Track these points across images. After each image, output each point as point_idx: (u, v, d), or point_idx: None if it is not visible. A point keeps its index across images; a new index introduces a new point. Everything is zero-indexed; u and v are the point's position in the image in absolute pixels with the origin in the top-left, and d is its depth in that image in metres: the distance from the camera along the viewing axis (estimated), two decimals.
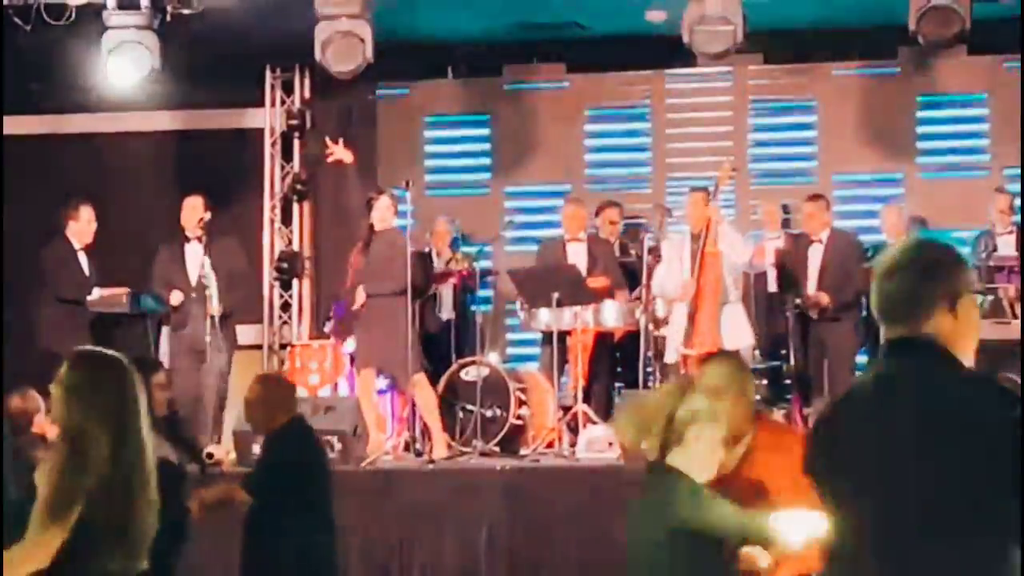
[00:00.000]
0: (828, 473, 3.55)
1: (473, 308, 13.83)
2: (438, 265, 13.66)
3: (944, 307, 3.50)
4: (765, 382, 12.75)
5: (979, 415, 3.34)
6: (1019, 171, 13.52)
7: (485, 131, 15.64)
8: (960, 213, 14.00)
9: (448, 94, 15.61)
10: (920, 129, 14.86)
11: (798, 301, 12.45)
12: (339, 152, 12.11)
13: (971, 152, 14.68)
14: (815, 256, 12.67)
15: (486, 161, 15.63)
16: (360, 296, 11.98)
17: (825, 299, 12.44)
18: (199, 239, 12.38)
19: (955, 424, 3.35)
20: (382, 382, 12.47)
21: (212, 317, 12.09)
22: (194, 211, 12.48)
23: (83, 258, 12.58)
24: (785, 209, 14.24)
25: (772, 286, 13.30)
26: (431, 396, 11.93)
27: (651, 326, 12.31)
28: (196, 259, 12.38)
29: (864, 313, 12.55)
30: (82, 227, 12.59)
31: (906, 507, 3.36)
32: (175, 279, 12.41)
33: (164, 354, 12.61)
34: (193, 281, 12.32)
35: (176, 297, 12.31)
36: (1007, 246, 12.81)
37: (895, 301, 3.54)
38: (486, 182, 15.58)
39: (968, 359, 3.54)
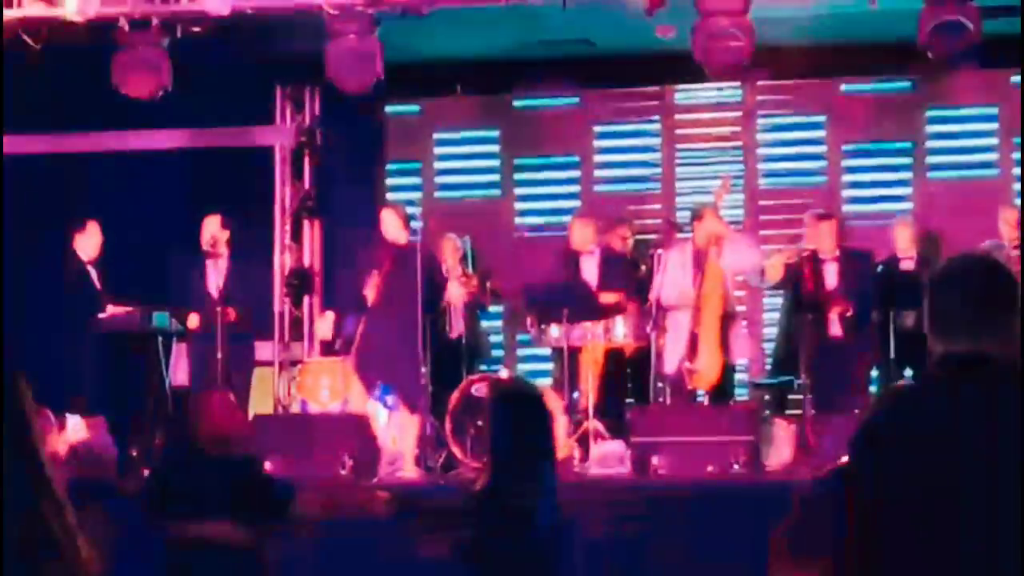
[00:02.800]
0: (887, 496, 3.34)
1: (483, 324, 13.85)
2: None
3: (1014, 322, 3.39)
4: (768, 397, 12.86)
5: None
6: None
7: (495, 147, 15.70)
8: (970, 227, 13.99)
9: (457, 111, 15.68)
10: (930, 144, 14.89)
11: (811, 318, 12.42)
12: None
13: (981, 166, 14.70)
14: (830, 275, 12.63)
15: (495, 178, 15.68)
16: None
17: (846, 306, 12.43)
18: (219, 256, 12.51)
19: None
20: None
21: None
22: (212, 230, 12.59)
23: (92, 273, 12.63)
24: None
25: (785, 302, 13.32)
26: (415, 423, 12.04)
27: (661, 341, 12.31)
28: (218, 276, 12.47)
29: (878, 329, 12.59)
30: (89, 242, 12.65)
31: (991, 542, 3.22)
32: (195, 295, 12.48)
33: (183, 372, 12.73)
34: (216, 296, 12.41)
35: (193, 321, 12.41)
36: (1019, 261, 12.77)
37: (963, 312, 3.40)
38: (496, 198, 15.62)
39: None
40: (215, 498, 7.08)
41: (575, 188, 15.47)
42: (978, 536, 3.23)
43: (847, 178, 15.03)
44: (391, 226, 12.53)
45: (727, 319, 12.18)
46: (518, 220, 15.49)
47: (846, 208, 14.63)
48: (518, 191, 15.59)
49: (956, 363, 3.40)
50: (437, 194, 15.54)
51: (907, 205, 14.65)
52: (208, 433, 7.23)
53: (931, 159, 14.86)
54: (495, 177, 15.64)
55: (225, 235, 12.60)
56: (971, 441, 3.26)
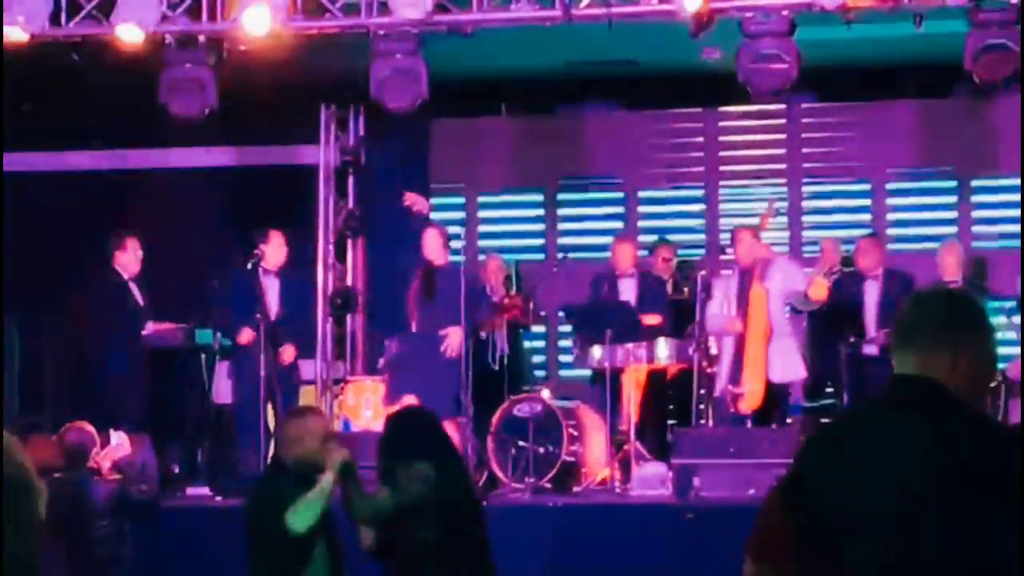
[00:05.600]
0: (823, 511, 3.41)
1: (526, 344, 13.85)
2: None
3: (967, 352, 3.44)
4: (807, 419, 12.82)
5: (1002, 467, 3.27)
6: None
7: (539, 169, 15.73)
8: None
9: (502, 130, 15.72)
10: (973, 168, 14.84)
11: (852, 340, 12.37)
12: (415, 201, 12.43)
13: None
14: (872, 293, 12.61)
15: (539, 198, 15.70)
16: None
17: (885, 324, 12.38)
18: (276, 274, 12.56)
19: (977, 476, 3.27)
20: None
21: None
22: (279, 246, 12.64)
23: (135, 289, 12.68)
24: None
25: (824, 324, 13.28)
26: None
27: (704, 363, 12.28)
28: (274, 292, 12.51)
29: None
30: (129, 258, 12.70)
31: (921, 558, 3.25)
32: (250, 312, 12.46)
33: (226, 389, 12.77)
34: (273, 314, 12.40)
35: (246, 336, 12.38)
36: None
37: (919, 333, 3.49)
38: (540, 218, 15.64)
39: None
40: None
41: (619, 209, 15.49)
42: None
43: (891, 201, 14.99)
44: (432, 246, 12.54)
45: (773, 340, 12.11)
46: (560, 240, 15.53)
47: (890, 232, 14.59)
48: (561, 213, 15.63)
49: (903, 387, 3.50)
50: (481, 213, 15.56)
51: (951, 229, 14.60)
52: (294, 455, 7.13)
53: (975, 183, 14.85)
54: (539, 197, 15.69)
55: (283, 254, 12.63)
56: (898, 471, 3.33)
